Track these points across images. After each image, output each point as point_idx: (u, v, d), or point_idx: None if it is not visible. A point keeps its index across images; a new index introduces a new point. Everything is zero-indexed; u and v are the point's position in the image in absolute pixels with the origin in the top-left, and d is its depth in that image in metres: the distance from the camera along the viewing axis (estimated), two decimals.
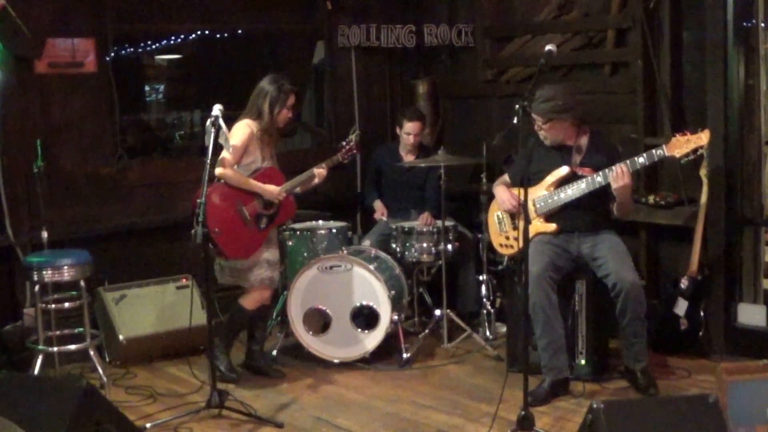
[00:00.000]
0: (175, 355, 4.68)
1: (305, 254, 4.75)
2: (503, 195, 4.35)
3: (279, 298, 4.93)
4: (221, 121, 3.85)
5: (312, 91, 6.57)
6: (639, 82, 4.85)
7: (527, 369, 3.53)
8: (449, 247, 4.85)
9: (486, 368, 4.50)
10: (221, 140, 3.93)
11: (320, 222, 5.01)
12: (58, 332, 4.29)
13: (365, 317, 4.60)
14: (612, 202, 4.09)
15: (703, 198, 4.41)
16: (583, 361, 4.20)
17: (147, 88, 6.55)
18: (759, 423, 3.28)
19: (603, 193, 4.05)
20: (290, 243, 4.82)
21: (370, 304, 4.54)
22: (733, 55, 4.45)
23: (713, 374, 3.68)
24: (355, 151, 4.59)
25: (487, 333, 4.92)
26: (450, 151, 4.89)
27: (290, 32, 6.02)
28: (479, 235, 5.06)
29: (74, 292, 4.27)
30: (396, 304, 4.58)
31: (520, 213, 3.59)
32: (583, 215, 4.13)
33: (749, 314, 4.46)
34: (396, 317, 4.54)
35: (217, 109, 3.86)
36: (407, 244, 4.90)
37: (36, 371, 4.11)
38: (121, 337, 4.59)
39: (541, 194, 4.19)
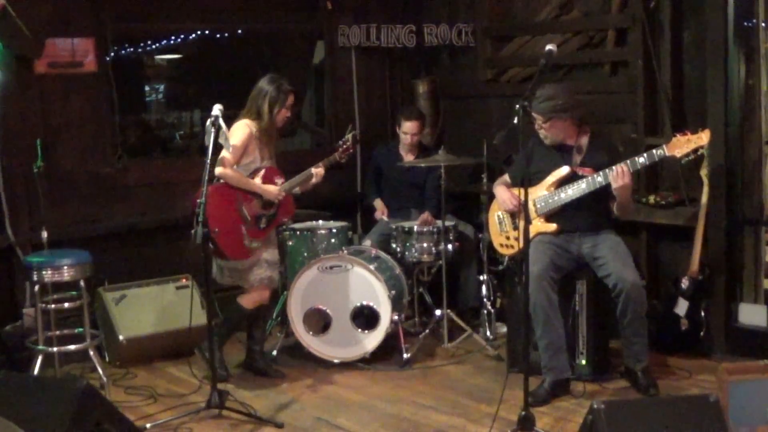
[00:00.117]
0: (175, 356, 4.67)
1: (305, 254, 4.75)
2: (504, 195, 4.35)
3: (279, 298, 4.93)
4: (221, 121, 3.84)
5: (312, 91, 6.56)
6: (639, 81, 4.85)
7: (528, 369, 3.53)
8: (449, 247, 4.85)
9: (486, 368, 4.50)
10: (221, 140, 3.93)
11: (320, 222, 5.01)
12: (57, 332, 4.28)
13: (365, 317, 4.60)
14: (612, 202, 4.09)
15: (704, 198, 4.41)
16: (583, 361, 4.20)
17: (147, 88, 6.55)
18: (760, 423, 3.28)
19: (603, 193, 4.05)
20: (290, 243, 4.82)
21: (371, 304, 4.54)
22: (734, 55, 4.45)
23: (714, 374, 3.68)
24: (351, 151, 4.59)
25: (488, 333, 4.92)
26: (450, 151, 4.89)
27: (290, 32, 6.02)
28: (480, 235, 5.06)
29: (74, 292, 4.26)
30: (396, 304, 4.58)
31: (521, 213, 3.59)
32: (584, 215, 4.13)
33: (750, 314, 4.46)
34: (396, 317, 4.54)
35: (217, 109, 3.86)
36: (407, 244, 4.90)
37: (36, 371, 4.10)
38: (121, 337, 4.59)
39: (541, 194, 4.18)
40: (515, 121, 3.47)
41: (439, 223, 4.84)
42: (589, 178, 4.03)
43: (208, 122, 3.85)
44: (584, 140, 4.17)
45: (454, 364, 4.59)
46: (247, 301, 4.31)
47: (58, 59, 4.75)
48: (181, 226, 4.61)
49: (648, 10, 4.76)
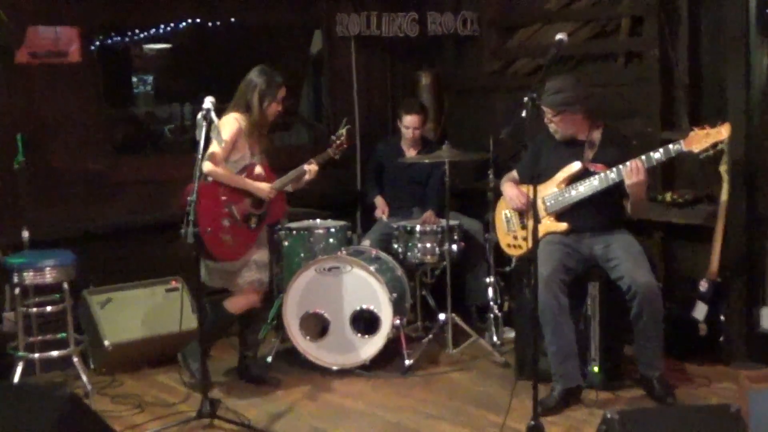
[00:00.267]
0: (164, 362, 4.65)
1: (302, 255, 4.74)
2: (511, 192, 4.34)
3: (274, 301, 4.92)
4: (213, 115, 3.82)
5: (309, 84, 6.56)
6: (655, 72, 4.84)
7: (537, 376, 3.51)
8: (454, 247, 4.83)
9: (493, 375, 4.49)
10: (213, 134, 3.91)
11: (318, 221, 5.00)
12: (39, 338, 4.29)
13: (365, 321, 4.59)
14: (626, 200, 4.08)
15: (724, 195, 4.39)
16: (595, 368, 4.18)
17: (135, 79, 6.53)
18: None
19: (617, 191, 4.04)
20: (286, 243, 4.80)
21: (371, 307, 4.52)
22: (755, 44, 4.42)
23: (734, 382, 3.67)
24: (346, 146, 4.56)
25: (494, 338, 4.90)
26: (454, 146, 4.87)
27: (286, 21, 6.01)
28: (486, 235, 5.05)
29: (57, 295, 4.26)
30: (398, 307, 4.56)
31: (529, 211, 3.58)
32: (596, 214, 4.12)
33: None
34: (398, 321, 4.53)
35: (208, 102, 3.84)
36: (409, 245, 4.89)
37: (16, 379, 4.09)
38: (106, 342, 4.57)
39: (551, 191, 4.17)
40: (523, 114, 3.45)
41: (443, 222, 4.83)
42: (602, 174, 4.02)
43: (199, 116, 3.83)
44: (596, 135, 4.16)
45: (458, 370, 4.58)
46: (233, 305, 4.29)
47: (40, 48, 4.74)
48: (170, 225, 4.58)
49: None
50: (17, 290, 4.14)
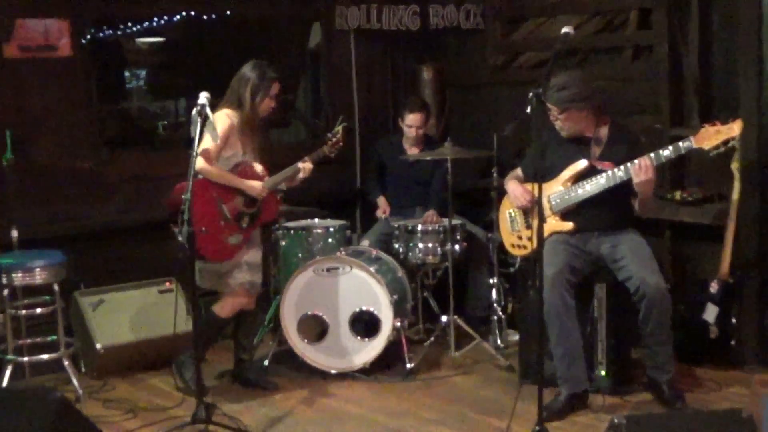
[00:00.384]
0: (157, 366, 4.65)
1: (300, 255, 4.74)
2: (516, 191, 4.34)
3: (271, 302, 4.92)
4: (208, 110, 3.83)
5: (307, 79, 6.56)
6: (664, 67, 4.84)
7: (542, 380, 3.52)
8: (456, 247, 4.83)
9: (497, 379, 4.49)
10: (208, 130, 3.91)
11: (316, 220, 5.00)
12: (29, 340, 4.29)
13: (365, 324, 4.59)
14: (634, 199, 4.08)
15: (735, 194, 4.39)
16: (602, 372, 4.18)
17: (127, 74, 6.55)
18: None
19: (624, 189, 4.04)
20: (284, 243, 4.81)
21: (371, 309, 4.53)
22: None
23: (746, 387, 3.67)
24: (342, 144, 4.55)
25: (498, 341, 4.91)
26: (457, 144, 4.87)
27: (283, 13, 6.01)
28: (489, 235, 5.05)
29: (47, 297, 4.26)
30: (399, 309, 4.56)
31: (534, 210, 3.58)
32: (603, 213, 4.12)
33: None
34: (399, 324, 4.53)
35: (203, 97, 3.85)
36: (411, 245, 4.89)
37: (4, 383, 4.09)
38: (98, 345, 4.57)
39: (556, 190, 4.17)
40: (528, 110, 3.46)
41: (445, 221, 4.83)
42: (609, 172, 4.02)
43: (194, 111, 3.83)
44: (603, 132, 4.16)
45: (461, 374, 4.58)
46: (223, 308, 4.29)
47: (29, 42, 4.74)
48: (164, 224, 4.58)
49: None
50: (6, 291, 4.14)
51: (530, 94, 3.44)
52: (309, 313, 4.59)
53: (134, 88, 6.67)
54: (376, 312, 4.52)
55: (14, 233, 4.37)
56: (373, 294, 4.51)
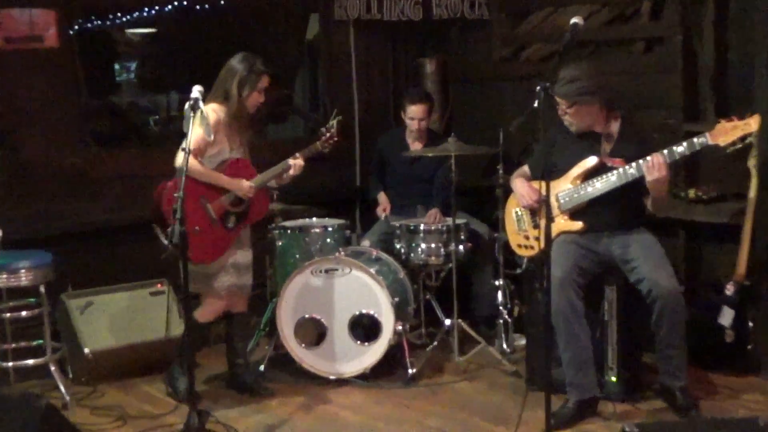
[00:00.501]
0: (148, 371, 4.65)
1: (297, 256, 4.74)
2: (522, 189, 4.34)
3: (267, 305, 4.91)
4: (202, 104, 3.82)
5: (305, 71, 6.56)
6: (677, 60, 4.84)
7: (549, 387, 3.51)
8: (461, 247, 4.83)
9: (502, 385, 4.48)
10: (202, 125, 3.90)
11: (314, 219, 5.00)
12: (14, 345, 4.28)
13: (365, 328, 4.58)
14: (646, 197, 4.07)
15: (752, 192, 4.38)
16: (613, 378, 4.18)
17: (117, 66, 6.55)
18: None
19: (636, 187, 4.04)
20: (280, 243, 4.80)
21: (371, 312, 4.52)
22: None
23: (763, 394, 3.67)
24: (336, 140, 4.53)
25: (504, 345, 4.90)
26: (461, 140, 4.87)
27: (280, 3, 6.00)
28: (495, 235, 5.05)
29: (33, 299, 4.26)
30: (400, 312, 4.56)
31: (542, 209, 3.57)
32: (614, 212, 4.12)
33: None
34: (400, 327, 4.52)
35: (196, 91, 3.84)
36: (413, 245, 4.88)
37: None
38: (86, 350, 4.57)
39: (565, 188, 4.16)
40: (536, 105, 3.45)
41: (449, 220, 4.82)
42: (620, 169, 4.01)
43: (187, 106, 3.82)
44: (614, 127, 4.15)
45: (465, 380, 4.58)
46: (202, 313, 4.28)
47: (14, 33, 4.74)
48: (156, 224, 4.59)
49: None
50: None
51: (538, 88, 3.44)
52: (306, 316, 4.59)
53: (124, 81, 6.67)
54: (376, 315, 4.51)
55: None
56: (373, 296, 4.50)
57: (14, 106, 4.81)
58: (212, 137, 4.05)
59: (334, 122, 4.52)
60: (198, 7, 5.70)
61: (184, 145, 4.00)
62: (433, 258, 4.88)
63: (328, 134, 4.50)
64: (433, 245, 4.86)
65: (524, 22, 5.70)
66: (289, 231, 4.82)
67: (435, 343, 4.83)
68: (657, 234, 4.20)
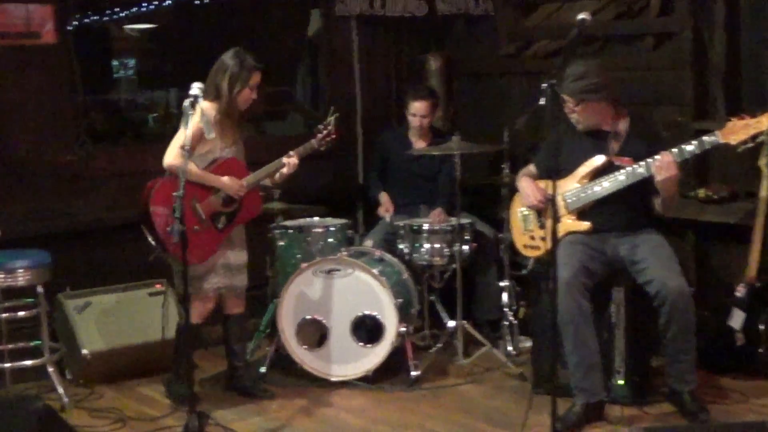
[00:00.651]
0: (147, 373, 4.66)
1: (298, 256, 4.74)
2: (528, 188, 4.34)
3: (268, 306, 4.92)
4: (202, 101, 3.83)
5: (306, 68, 6.55)
6: (687, 56, 4.84)
7: (555, 390, 3.51)
8: (465, 248, 4.83)
9: (508, 389, 4.49)
10: (202, 123, 3.91)
11: (316, 219, 5.00)
12: (11, 345, 4.29)
13: (368, 329, 4.59)
14: (655, 197, 4.07)
15: (763, 192, 4.38)
16: (620, 382, 4.18)
17: (115, 62, 6.55)
18: None
19: (644, 187, 4.04)
20: (281, 243, 4.81)
21: (374, 313, 4.53)
22: None
23: None
24: (333, 137, 4.51)
25: (509, 348, 4.91)
26: (466, 138, 4.87)
27: None
28: (500, 235, 5.05)
29: (30, 300, 4.26)
30: (403, 313, 4.56)
31: (548, 209, 3.58)
32: (622, 212, 4.12)
33: None
34: (403, 329, 4.53)
35: (196, 88, 3.85)
36: (416, 245, 4.89)
37: None
38: (84, 351, 4.58)
39: (572, 187, 4.17)
40: (542, 102, 3.45)
41: (453, 220, 4.83)
42: (629, 168, 4.02)
43: (186, 103, 3.84)
44: (622, 125, 4.15)
45: (470, 383, 4.58)
46: (191, 315, 4.27)
47: (10, 28, 4.74)
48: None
49: None
50: None
51: (544, 85, 3.44)
52: (308, 317, 4.60)
53: (122, 77, 6.67)
54: (379, 316, 4.52)
55: None
56: (376, 297, 4.51)
57: (9, 102, 4.80)
58: (212, 135, 4.05)
59: (331, 119, 4.49)
60: (197, 1, 5.71)
61: (175, 142, 4.01)
62: (437, 258, 4.88)
63: (324, 132, 4.46)
64: (437, 245, 4.86)
65: (530, 18, 5.70)
66: (290, 231, 4.82)
67: (439, 345, 4.84)
68: (666, 234, 4.20)
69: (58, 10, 4.89)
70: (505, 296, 4.99)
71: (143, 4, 5.92)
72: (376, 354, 4.52)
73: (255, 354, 4.85)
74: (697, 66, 4.83)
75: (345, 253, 4.67)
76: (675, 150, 3.91)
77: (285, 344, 4.60)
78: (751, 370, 4.41)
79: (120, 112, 6.43)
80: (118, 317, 4.73)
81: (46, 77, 4.90)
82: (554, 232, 3.46)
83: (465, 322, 4.80)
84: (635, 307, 4.17)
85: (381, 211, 5.38)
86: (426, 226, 4.91)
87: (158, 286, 4.87)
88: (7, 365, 4.21)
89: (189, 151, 3.78)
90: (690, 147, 3.92)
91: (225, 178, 4.19)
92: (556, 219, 3.48)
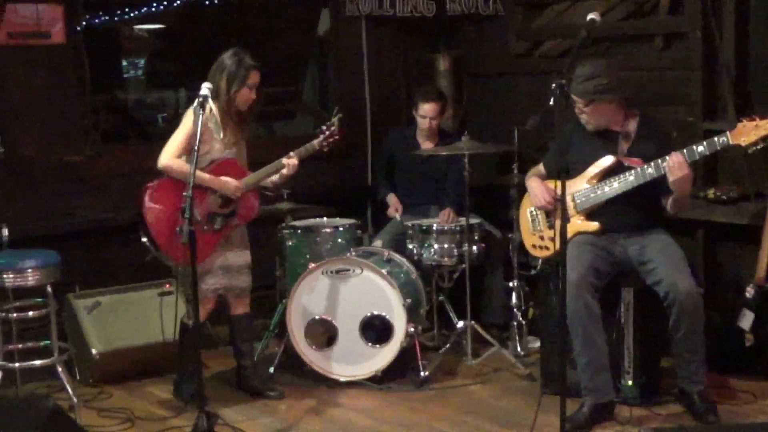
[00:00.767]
0: (156, 373, 4.68)
1: (307, 256, 4.75)
2: (537, 189, 4.34)
3: (277, 306, 4.94)
4: (211, 102, 3.84)
5: (315, 67, 6.57)
6: (697, 56, 4.83)
7: (564, 390, 3.51)
8: (474, 248, 4.84)
9: (516, 389, 4.49)
10: (211, 124, 3.92)
11: (325, 219, 5.01)
12: (20, 345, 4.30)
13: (376, 329, 4.60)
14: (665, 197, 4.07)
15: None
16: (630, 382, 4.18)
17: (124, 62, 6.57)
18: None
19: (654, 187, 4.03)
20: (290, 243, 4.82)
21: (383, 314, 4.54)
22: None
23: None
24: (337, 138, 4.48)
25: (518, 348, 4.91)
26: (475, 138, 4.87)
27: None
28: (509, 235, 5.05)
29: (40, 299, 4.27)
30: (412, 314, 4.57)
31: (557, 209, 3.57)
32: (631, 212, 4.12)
33: None
34: (412, 329, 4.53)
35: (206, 88, 3.86)
36: (425, 245, 4.89)
37: None
38: (93, 351, 4.60)
39: (581, 188, 4.17)
40: (551, 102, 3.45)
41: (463, 220, 4.83)
42: (638, 169, 4.01)
43: (195, 103, 3.85)
44: (632, 126, 4.15)
45: (478, 384, 4.59)
46: (188, 315, 4.29)
47: (20, 28, 4.76)
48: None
49: None
50: None
51: (553, 85, 3.42)
52: (317, 317, 4.61)
53: (131, 77, 6.69)
54: (388, 317, 4.53)
55: (4, 232, 4.38)
56: (385, 297, 4.51)
57: (18, 102, 4.82)
58: (221, 134, 4.06)
59: (335, 119, 4.45)
60: (207, 2, 5.72)
61: (171, 143, 4.01)
62: (446, 259, 4.88)
63: (327, 132, 4.41)
64: (446, 246, 4.87)
65: (539, 18, 5.69)
66: (299, 231, 4.84)
67: (447, 345, 4.84)
68: (675, 235, 4.19)
69: (68, 10, 4.91)
70: (513, 297, 4.99)
71: (153, 5, 5.93)
72: (385, 354, 4.53)
73: (264, 354, 4.86)
74: (706, 66, 4.82)
75: (354, 253, 4.68)
76: (685, 151, 3.89)
77: (294, 344, 4.61)
78: (760, 371, 4.41)
79: (129, 112, 6.45)
80: (127, 317, 4.74)
81: (55, 77, 4.93)
82: (563, 232, 3.46)
83: (474, 322, 4.80)
84: (644, 307, 4.17)
85: (391, 211, 5.38)
86: (435, 227, 4.91)
87: (168, 285, 4.88)
88: (17, 365, 4.22)
89: (196, 150, 3.78)
90: (700, 148, 3.90)
91: (222, 178, 4.18)
92: (566, 219, 3.47)
